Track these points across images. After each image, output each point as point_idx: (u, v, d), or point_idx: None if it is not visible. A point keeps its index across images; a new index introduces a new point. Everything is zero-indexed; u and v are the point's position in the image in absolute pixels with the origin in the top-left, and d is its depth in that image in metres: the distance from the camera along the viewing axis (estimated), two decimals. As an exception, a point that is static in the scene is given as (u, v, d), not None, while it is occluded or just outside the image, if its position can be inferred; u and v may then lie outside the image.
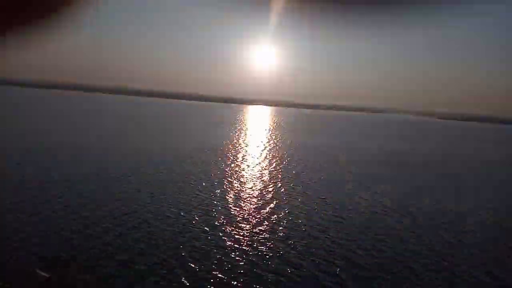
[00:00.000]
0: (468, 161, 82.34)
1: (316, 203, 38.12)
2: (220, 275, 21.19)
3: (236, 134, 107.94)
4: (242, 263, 23.03)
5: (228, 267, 22.27)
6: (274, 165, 58.94)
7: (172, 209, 32.37)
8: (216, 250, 24.58)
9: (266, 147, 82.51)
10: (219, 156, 63.80)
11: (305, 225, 31.03)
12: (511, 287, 22.69)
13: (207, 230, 27.93)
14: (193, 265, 22.03)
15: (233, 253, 24.19)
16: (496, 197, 47.27)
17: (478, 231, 32.78)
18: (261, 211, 33.94)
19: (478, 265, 25.34)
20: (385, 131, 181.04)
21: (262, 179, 47.80)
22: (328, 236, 28.70)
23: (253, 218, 31.92)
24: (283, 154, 72.51)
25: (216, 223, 29.77)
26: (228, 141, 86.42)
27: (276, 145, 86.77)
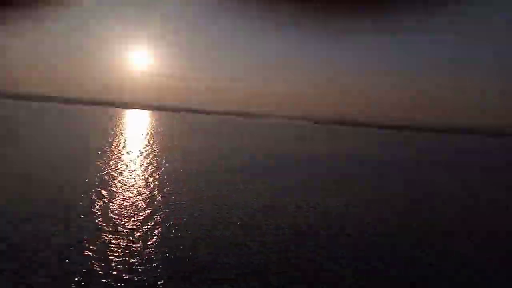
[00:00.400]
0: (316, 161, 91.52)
1: (193, 208, 37.62)
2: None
3: (109, 140, 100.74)
4: (109, 280, 21.17)
5: (93, 284, 20.21)
6: (150, 171, 56.48)
7: (28, 222, 28.15)
8: (80, 267, 22.13)
9: (142, 153, 78.77)
10: (86, 165, 58.44)
11: (182, 231, 30.22)
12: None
13: (70, 248, 24.99)
14: (55, 285, 19.39)
15: (99, 270, 22.08)
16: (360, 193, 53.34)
17: (349, 224, 36.39)
18: (133, 221, 31.95)
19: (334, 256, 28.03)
20: (261, 135, 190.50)
21: (136, 187, 45.27)
22: (203, 242, 28.44)
23: (124, 229, 29.81)
24: (159, 160, 70.15)
25: (81, 238, 26.88)
26: (99, 149, 79.96)
27: (153, 151, 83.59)
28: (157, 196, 41.39)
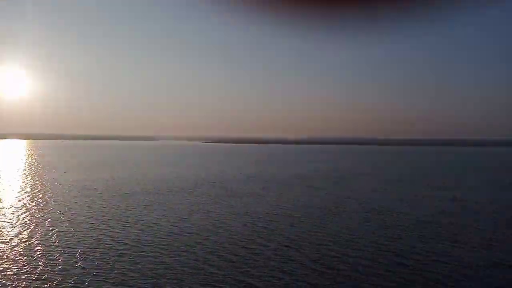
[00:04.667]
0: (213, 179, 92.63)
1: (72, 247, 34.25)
2: None
3: None
4: None
5: None
6: (29, 206, 50.08)
7: None
8: None
9: (18, 189, 69.65)
10: None
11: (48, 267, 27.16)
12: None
13: None
14: None
15: None
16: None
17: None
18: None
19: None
20: (151, 157, 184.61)
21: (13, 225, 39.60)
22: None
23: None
24: (41, 193, 62.86)
25: None
26: None
27: (34, 185, 74.60)
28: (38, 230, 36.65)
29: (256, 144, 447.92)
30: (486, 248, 34.98)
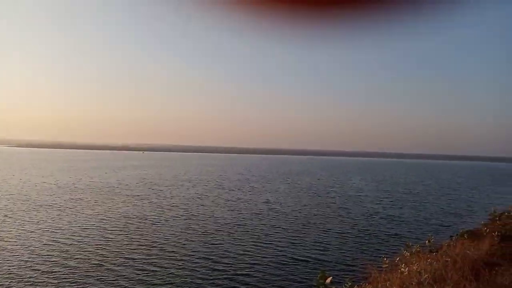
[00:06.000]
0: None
1: None
2: None
3: None
4: None
5: None
6: None
7: None
8: None
9: None
10: None
11: None
12: None
13: None
14: None
15: None
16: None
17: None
18: None
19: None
20: None
21: None
22: None
23: None
24: None
25: None
26: None
27: None
28: None
29: (78, 150, 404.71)
30: (289, 246, 39.16)
